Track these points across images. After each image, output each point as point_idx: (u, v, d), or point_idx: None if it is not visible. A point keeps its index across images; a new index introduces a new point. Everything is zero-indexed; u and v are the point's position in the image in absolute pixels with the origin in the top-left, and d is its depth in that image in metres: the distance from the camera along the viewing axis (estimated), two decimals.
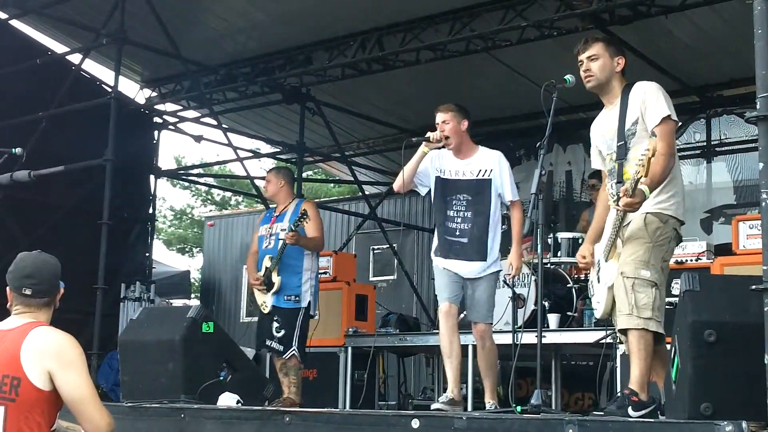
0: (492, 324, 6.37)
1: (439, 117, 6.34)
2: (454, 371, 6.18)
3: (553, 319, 8.03)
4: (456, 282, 6.31)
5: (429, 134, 6.26)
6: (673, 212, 4.86)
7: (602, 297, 4.95)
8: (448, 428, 4.53)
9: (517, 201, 6.34)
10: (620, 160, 4.91)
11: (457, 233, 6.30)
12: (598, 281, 5.03)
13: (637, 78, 5.10)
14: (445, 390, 6.25)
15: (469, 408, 8.19)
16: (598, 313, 5.08)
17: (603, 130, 5.10)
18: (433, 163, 6.38)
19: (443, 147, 6.33)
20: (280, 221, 7.70)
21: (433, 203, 6.57)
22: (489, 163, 6.32)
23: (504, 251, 6.53)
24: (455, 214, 6.33)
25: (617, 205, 4.76)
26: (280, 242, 7.49)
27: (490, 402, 6.19)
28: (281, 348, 7.43)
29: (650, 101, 4.85)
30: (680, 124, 5.01)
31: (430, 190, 6.46)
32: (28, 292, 3.69)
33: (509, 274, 6.33)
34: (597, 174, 8.04)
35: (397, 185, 6.47)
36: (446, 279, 6.35)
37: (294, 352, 7.42)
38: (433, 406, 6.14)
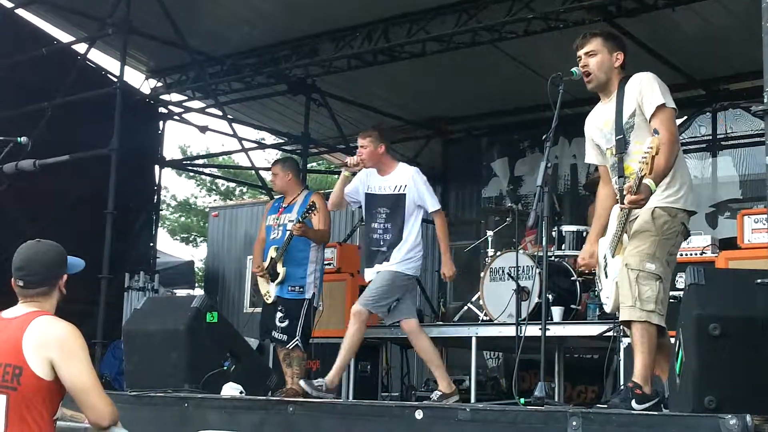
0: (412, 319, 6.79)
1: (359, 142, 6.92)
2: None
3: (556, 311, 8.02)
4: None
5: (347, 159, 6.96)
6: (682, 205, 4.84)
7: (611, 292, 4.93)
8: (451, 419, 4.54)
9: (438, 210, 6.91)
10: (621, 154, 4.90)
11: (381, 243, 6.79)
12: (606, 276, 5.02)
13: (643, 71, 5.08)
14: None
15: (473, 399, 8.21)
16: (608, 308, 5.07)
17: (600, 123, 5.08)
18: (363, 181, 6.97)
19: (361, 169, 6.90)
20: (288, 212, 7.71)
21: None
22: (403, 179, 6.83)
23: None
24: (378, 226, 6.84)
25: (622, 201, 4.75)
26: (287, 233, 7.50)
27: (437, 392, 6.65)
28: (285, 338, 7.44)
29: (646, 92, 4.84)
30: (678, 111, 4.95)
31: (361, 205, 7.05)
32: (20, 283, 3.72)
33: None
34: None
35: (329, 206, 7.31)
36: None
37: (297, 342, 7.44)
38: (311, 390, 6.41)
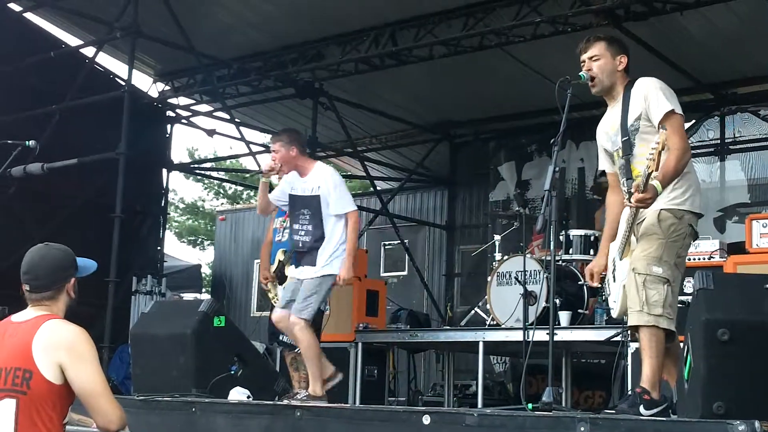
0: (305, 320, 6.57)
1: (271, 147, 6.93)
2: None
3: (564, 316, 8.01)
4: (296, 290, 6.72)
5: (262, 166, 7.01)
6: (689, 207, 4.82)
7: (618, 296, 4.92)
8: (459, 424, 4.53)
9: (349, 212, 6.70)
10: (627, 156, 4.90)
11: (300, 245, 6.75)
12: (614, 280, 5.00)
13: (650, 74, 5.08)
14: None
15: (480, 404, 8.20)
16: (615, 313, 5.05)
17: (607, 128, 5.09)
18: (289, 183, 6.90)
19: (277, 174, 6.90)
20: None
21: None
22: (318, 180, 6.76)
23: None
24: (300, 227, 6.79)
25: (629, 201, 4.74)
26: None
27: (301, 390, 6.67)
28: (292, 342, 7.44)
29: (651, 99, 4.83)
30: (684, 116, 4.95)
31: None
32: (26, 287, 3.72)
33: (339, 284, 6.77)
34: None
35: (258, 211, 7.36)
36: (290, 288, 6.79)
37: None
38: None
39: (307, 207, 6.75)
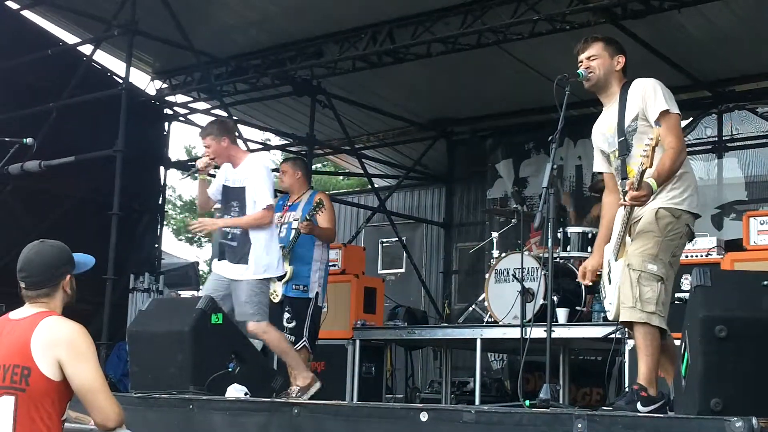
0: (261, 321, 6.59)
1: (203, 143, 6.69)
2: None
3: (561, 313, 8.02)
4: (219, 281, 6.64)
5: (197, 163, 6.73)
6: (687, 206, 4.83)
7: (614, 298, 4.91)
8: (456, 421, 4.53)
9: (265, 208, 6.50)
10: (623, 156, 4.90)
11: (229, 236, 6.63)
12: (609, 282, 5.00)
13: (648, 72, 5.09)
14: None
15: (477, 401, 8.21)
16: (611, 315, 5.04)
17: (604, 128, 5.10)
18: (223, 174, 6.76)
19: (215, 168, 6.81)
20: (293, 210, 7.72)
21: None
22: (246, 171, 6.61)
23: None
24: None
25: (625, 200, 4.75)
26: (293, 231, 7.51)
27: (293, 387, 6.65)
28: (292, 339, 7.44)
29: (649, 98, 4.84)
30: (681, 115, 4.95)
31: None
32: (22, 284, 3.73)
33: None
34: None
35: (198, 209, 7.17)
36: (211, 282, 6.73)
37: (305, 343, 7.46)
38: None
39: (236, 199, 6.63)
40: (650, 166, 4.50)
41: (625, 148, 4.89)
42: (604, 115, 5.14)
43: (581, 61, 5.10)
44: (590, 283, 5.27)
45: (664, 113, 4.78)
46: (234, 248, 6.59)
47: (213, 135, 6.62)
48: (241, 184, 6.60)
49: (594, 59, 5.05)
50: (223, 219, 6.69)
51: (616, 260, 4.92)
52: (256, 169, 6.62)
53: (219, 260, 6.71)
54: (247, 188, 6.55)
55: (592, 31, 5.42)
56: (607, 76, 5.05)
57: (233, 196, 6.65)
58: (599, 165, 5.26)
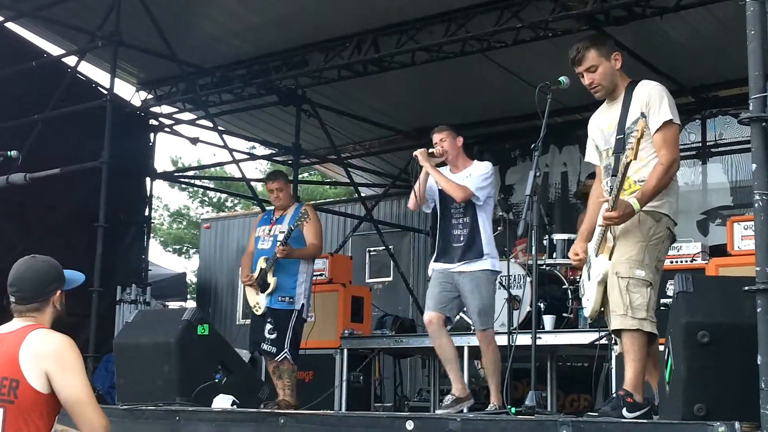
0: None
1: (438, 136, 6.89)
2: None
3: (548, 320, 8.03)
4: (448, 284, 6.70)
5: (432, 150, 6.80)
6: (666, 210, 4.84)
7: (592, 294, 4.91)
8: (442, 430, 4.54)
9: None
10: (617, 154, 4.90)
11: (462, 239, 6.59)
12: (589, 278, 5.00)
13: (632, 78, 5.09)
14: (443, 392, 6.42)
15: (465, 410, 8.20)
16: (587, 312, 5.05)
17: (602, 125, 5.08)
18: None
19: (440, 165, 6.78)
20: (279, 223, 7.72)
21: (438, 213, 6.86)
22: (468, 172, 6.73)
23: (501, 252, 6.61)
24: (456, 222, 6.63)
25: (608, 195, 4.76)
26: (278, 244, 7.50)
27: (492, 403, 6.39)
28: (274, 350, 7.44)
29: (653, 105, 4.83)
30: (680, 125, 4.97)
31: (435, 205, 6.80)
32: (12, 299, 3.74)
33: None
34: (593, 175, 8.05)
35: (411, 204, 6.80)
36: (437, 288, 6.78)
37: (286, 354, 7.44)
38: (438, 412, 6.25)
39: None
40: (634, 159, 4.51)
41: (620, 147, 4.88)
42: (605, 111, 5.12)
43: (581, 75, 5.05)
44: (582, 258, 5.20)
45: (667, 123, 4.78)
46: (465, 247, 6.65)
47: (450, 131, 6.92)
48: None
49: (593, 70, 4.99)
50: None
51: (596, 256, 4.91)
52: (482, 168, 6.74)
53: (449, 263, 6.75)
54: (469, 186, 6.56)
55: (575, 39, 5.41)
56: (613, 81, 5.01)
57: (451, 199, 6.61)
58: (591, 155, 5.25)
